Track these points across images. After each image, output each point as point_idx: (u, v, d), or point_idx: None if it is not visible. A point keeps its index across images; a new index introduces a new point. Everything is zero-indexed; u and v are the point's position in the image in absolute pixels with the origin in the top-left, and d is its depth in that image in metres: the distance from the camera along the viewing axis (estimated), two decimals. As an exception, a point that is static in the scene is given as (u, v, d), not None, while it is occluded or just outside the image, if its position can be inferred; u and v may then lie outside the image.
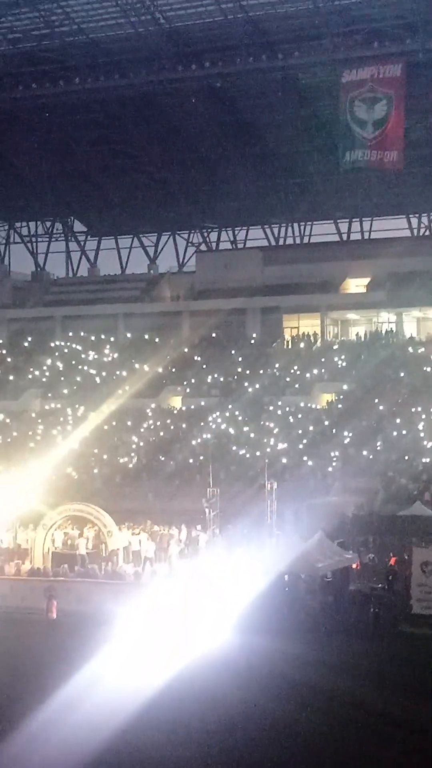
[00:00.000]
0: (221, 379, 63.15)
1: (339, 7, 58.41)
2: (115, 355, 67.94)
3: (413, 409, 54.75)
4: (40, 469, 46.43)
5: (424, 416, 53.94)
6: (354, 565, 34.26)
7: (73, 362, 68.40)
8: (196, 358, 65.82)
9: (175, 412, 61.90)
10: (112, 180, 72.83)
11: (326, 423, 56.16)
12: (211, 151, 69.32)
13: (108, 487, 49.68)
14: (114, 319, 71.22)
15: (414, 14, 57.32)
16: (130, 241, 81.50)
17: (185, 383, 63.78)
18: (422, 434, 52.77)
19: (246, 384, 61.64)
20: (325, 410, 58.32)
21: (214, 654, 23.03)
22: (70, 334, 71.61)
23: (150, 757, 15.30)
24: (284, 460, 51.44)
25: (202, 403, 61.29)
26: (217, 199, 72.37)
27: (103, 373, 66.01)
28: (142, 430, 59.24)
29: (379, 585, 32.60)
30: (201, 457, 51.43)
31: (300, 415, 57.65)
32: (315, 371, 61.89)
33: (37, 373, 68.08)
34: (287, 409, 58.45)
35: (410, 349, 62.87)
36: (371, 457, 51.65)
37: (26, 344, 72.49)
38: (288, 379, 61.62)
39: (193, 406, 61.62)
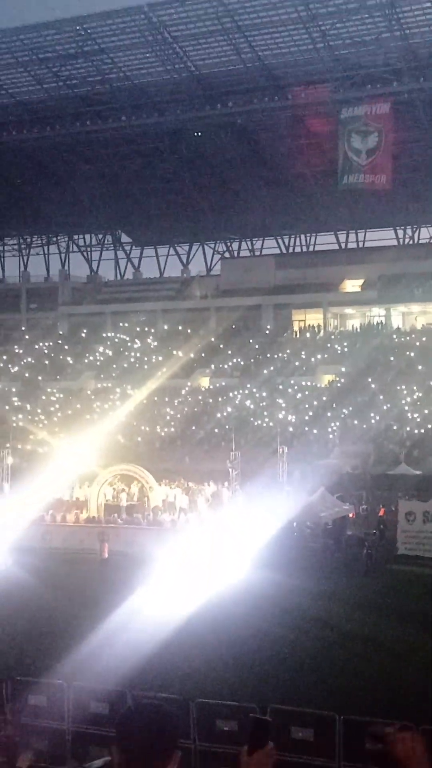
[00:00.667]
0: (241, 362, 63.24)
1: (338, 55, 58.35)
2: (155, 344, 68.03)
3: (399, 387, 54.73)
4: (94, 436, 46.56)
5: (407, 393, 53.98)
6: (350, 515, 34.51)
7: (121, 350, 68.53)
8: (220, 345, 65.82)
9: (204, 390, 62.01)
10: (151, 199, 72.72)
11: (327, 399, 56.20)
12: (232, 175, 69.19)
13: (149, 451, 49.92)
14: (154, 315, 71.24)
15: (399, 62, 57.28)
16: (167, 250, 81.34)
17: (212, 366, 63.85)
18: (406, 408, 52.85)
19: (261, 367, 61.75)
20: (326, 388, 58.36)
21: (235, 586, 23.25)
22: (119, 325, 71.74)
23: (181, 666, 15.44)
24: (292, 429, 51.65)
25: (224, 383, 61.40)
26: (238, 214, 72.15)
27: (145, 359, 66.16)
28: (176, 404, 59.39)
29: (371, 531, 32.79)
30: (226, 427, 51.65)
31: (306, 392, 57.72)
32: (318, 356, 61.91)
33: (91, 358, 68.32)
34: (295, 387, 58.52)
35: (396, 338, 62.86)
36: (364, 426, 51.69)
37: (83, 335, 72.62)
38: (296, 363, 61.64)
39: (218, 385, 61.73)
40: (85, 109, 65.64)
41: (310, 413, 54.59)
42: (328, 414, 53.91)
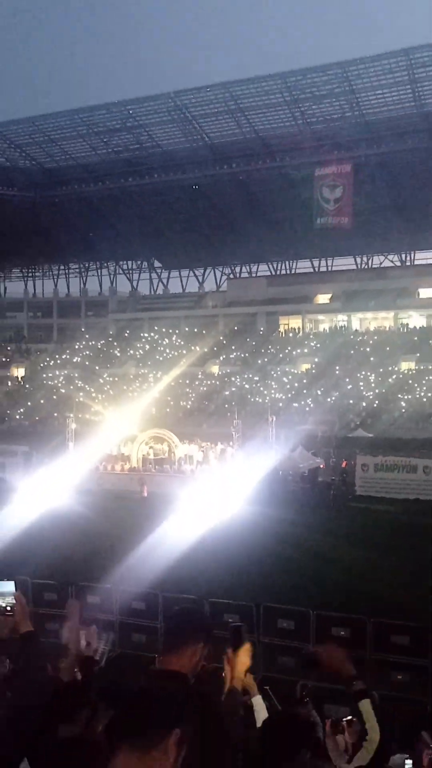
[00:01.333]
0: (242, 355, 63.24)
1: (313, 130, 58.47)
2: (179, 341, 68.11)
3: (358, 374, 54.69)
4: (134, 408, 46.76)
5: (363, 377, 53.96)
6: (321, 466, 34.47)
7: (154, 345, 68.67)
8: (225, 342, 65.88)
9: (214, 375, 62.09)
10: (176, 235, 72.69)
11: (305, 381, 56.20)
12: (235, 217, 69.05)
13: (174, 419, 50.03)
14: (178, 320, 71.28)
15: (358, 134, 57.24)
16: (188, 272, 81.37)
17: (220, 358, 63.90)
18: (362, 388, 52.84)
19: (256, 358, 61.76)
20: (304, 374, 58.34)
21: (235, 516, 23.30)
22: (153, 328, 71.87)
23: (197, 573, 15.47)
24: (280, 404, 51.67)
25: (229, 370, 61.44)
26: (240, 246, 72.13)
27: (172, 352, 66.24)
28: (194, 385, 59.51)
29: (336, 477, 32.82)
30: (231, 402, 51.76)
31: (289, 377, 57.74)
32: (298, 350, 61.86)
33: (132, 352, 68.45)
34: (281, 373, 58.53)
35: (355, 338, 62.77)
36: (331, 401, 51.71)
37: (126, 335, 72.79)
38: (281, 356, 61.64)
39: (224, 372, 61.78)
40: (128, 169, 65.63)
41: (292, 392, 54.63)
42: (305, 392, 53.95)
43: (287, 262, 76.99)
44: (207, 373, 62.28)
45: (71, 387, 62.20)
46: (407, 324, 63.55)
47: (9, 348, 75.50)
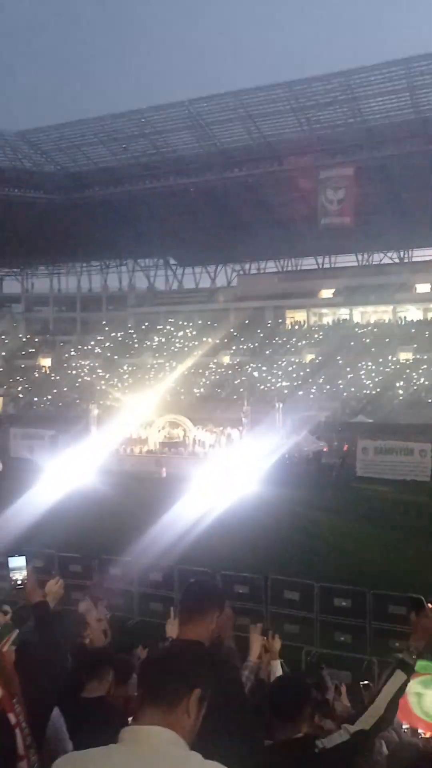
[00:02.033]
0: (251, 346, 63.14)
1: (318, 135, 57.88)
2: (193, 333, 68.10)
3: (359, 364, 54.52)
4: (152, 395, 46.88)
5: (363, 367, 53.76)
6: (324, 449, 34.46)
7: (170, 337, 68.71)
8: (236, 334, 65.81)
9: (225, 364, 62.07)
10: (190, 234, 72.42)
11: (309, 371, 56.07)
12: (245, 218, 68.66)
13: (188, 405, 50.09)
14: (191, 314, 71.26)
15: (360, 139, 56.69)
16: (201, 269, 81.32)
17: (231, 348, 63.84)
18: (363, 376, 52.64)
19: (264, 349, 61.63)
20: (308, 364, 58.21)
21: (245, 495, 23.34)
22: (169, 321, 71.88)
23: (210, 548, 15.53)
24: (286, 392, 51.60)
25: (239, 360, 61.40)
26: (249, 245, 71.78)
27: (187, 343, 66.25)
28: (207, 374, 59.53)
29: (339, 460, 32.82)
30: (240, 390, 51.80)
31: (294, 366, 57.61)
32: (303, 342, 61.68)
33: (149, 343, 68.50)
34: (287, 362, 58.40)
35: (356, 330, 62.46)
36: (334, 389, 51.60)
37: (143, 327, 72.84)
38: (288, 347, 61.50)
39: (235, 361, 61.75)
40: (145, 173, 65.37)
41: (298, 381, 54.53)
42: (310, 381, 53.86)
43: (293, 260, 76.75)
44: (218, 363, 62.27)
45: (93, 376, 62.41)
46: (405, 317, 63.33)
47: (36, 340, 75.77)
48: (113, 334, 72.01)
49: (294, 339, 62.51)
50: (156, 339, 68.87)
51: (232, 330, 66.50)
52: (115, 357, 67.18)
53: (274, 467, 28.39)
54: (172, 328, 70.00)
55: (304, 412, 43.86)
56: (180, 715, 1.86)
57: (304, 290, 68.00)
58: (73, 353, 70.23)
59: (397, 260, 71.74)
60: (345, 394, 50.77)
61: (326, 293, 68.63)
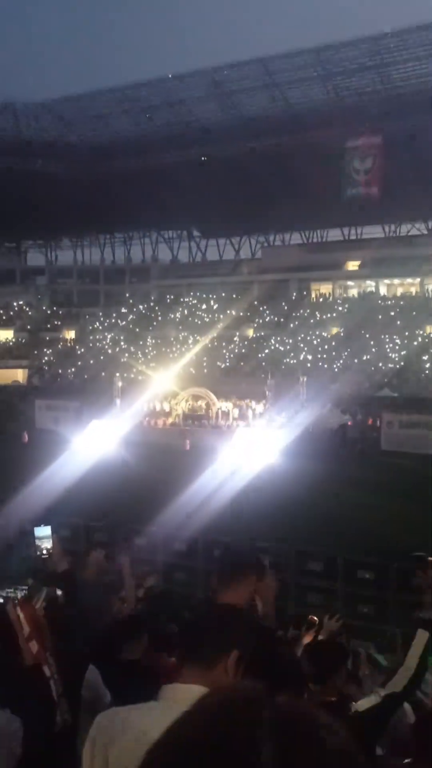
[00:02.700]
0: (275, 318, 62.79)
1: (345, 102, 56.83)
2: (216, 306, 67.83)
3: (383, 336, 54.02)
4: (175, 369, 47.01)
5: (389, 340, 53.31)
6: (349, 423, 34.38)
7: (193, 310, 68.55)
8: (260, 307, 65.45)
9: (249, 338, 61.89)
10: (214, 206, 71.76)
11: (334, 344, 55.72)
12: (270, 189, 67.73)
13: (212, 378, 49.88)
14: (215, 286, 70.84)
15: (388, 106, 55.47)
16: (225, 241, 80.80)
17: (255, 321, 63.58)
18: (388, 350, 52.20)
19: (289, 322, 61.27)
20: (333, 337, 57.77)
21: (270, 467, 23.43)
22: (192, 294, 71.67)
23: (232, 521, 15.66)
24: (309, 365, 51.37)
25: (263, 333, 61.14)
26: (274, 216, 70.99)
27: (210, 315, 66.08)
28: (230, 347, 59.42)
29: (363, 434, 32.73)
30: (263, 364, 51.70)
31: (319, 340, 57.21)
32: (328, 315, 61.13)
33: (173, 316, 68.42)
34: (312, 336, 58.05)
35: (382, 303, 61.75)
36: (357, 362, 51.28)
37: (167, 300, 72.75)
38: (312, 321, 61.06)
39: (259, 335, 61.50)
40: (169, 143, 64.68)
41: (323, 354, 54.24)
42: (334, 354, 53.51)
43: (318, 231, 75.81)
44: (242, 336, 62.06)
45: (117, 348, 62.65)
46: (432, 290, 62.49)
47: (60, 312, 76.17)
48: (136, 308, 72.06)
49: (318, 312, 62.00)
50: (179, 312, 68.76)
51: (255, 303, 66.11)
52: (138, 330, 67.29)
53: (297, 440, 28.35)
54: (195, 301, 69.76)
55: (328, 386, 43.73)
56: (219, 675, 1.93)
57: (329, 262, 67.21)
58: (97, 326, 70.49)
59: (425, 231, 70.52)
60: (370, 367, 50.41)
61: (352, 265, 67.82)
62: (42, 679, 2.61)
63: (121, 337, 65.97)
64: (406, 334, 53.76)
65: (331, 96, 56.28)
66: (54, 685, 2.66)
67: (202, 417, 35.24)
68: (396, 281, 64.94)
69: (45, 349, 67.59)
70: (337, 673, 3.00)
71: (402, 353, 51.47)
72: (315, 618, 4.36)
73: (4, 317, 73.91)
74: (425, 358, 50.33)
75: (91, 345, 66.22)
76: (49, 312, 76.11)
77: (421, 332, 54.11)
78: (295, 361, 52.77)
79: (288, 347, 56.65)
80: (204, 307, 68.29)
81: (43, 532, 3.74)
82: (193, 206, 72.87)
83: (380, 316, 57.91)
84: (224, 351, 58.73)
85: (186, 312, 68.64)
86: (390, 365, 50.18)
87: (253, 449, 26.48)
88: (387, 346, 52.57)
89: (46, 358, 66.17)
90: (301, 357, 53.63)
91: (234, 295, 68.36)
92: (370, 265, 65.42)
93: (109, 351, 62.88)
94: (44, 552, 3.70)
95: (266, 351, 56.42)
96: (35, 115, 64.17)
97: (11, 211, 70.33)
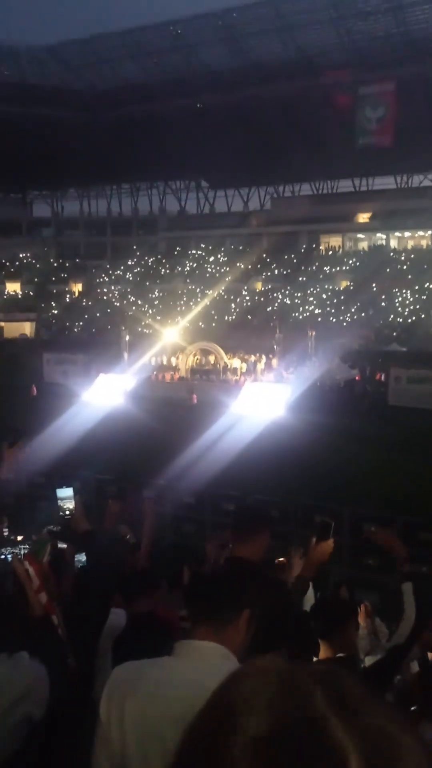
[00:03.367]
0: (284, 271, 62.27)
1: (358, 47, 55.18)
2: (224, 258, 67.25)
3: (394, 290, 53.59)
4: (183, 322, 46.86)
5: (398, 294, 52.87)
6: (357, 377, 34.30)
7: (201, 262, 67.99)
8: (268, 260, 64.81)
9: (258, 291, 61.48)
10: (223, 155, 70.37)
11: (343, 297, 55.33)
12: (280, 138, 66.28)
13: (220, 332, 49.85)
14: (223, 238, 70.17)
15: (402, 52, 53.82)
16: (233, 192, 79.63)
17: (263, 274, 63.06)
18: (397, 304, 51.86)
19: (297, 275, 60.76)
20: (343, 290, 57.35)
21: (276, 420, 23.56)
22: (200, 246, 70.94)
23: (242, 473, 15.77)
24: (319, 319, 51.14)
25: (271, 286, 60.72)
26: (284, 166, 69.75)
27: (218, 268, 65.57)
28: (238, 301, 59.13)
29: (371, 389, 32.63)
30: (273, 317, 51.46)
31: (328, 293, 56.83)
32: (337, 268, 60.60)
33: (180, 268, 67.93)
34: (321, 289, 57.61)
35: (393, 256, 61.04)
36: (366, 316, 50.99)
37: (175, 252, 72.08)
38: (321, 273, 60.48)
39: (267, 287, 61.10)
40: (177, 90, 63.14)
41: (332, 308, 53.91)
42: (343, 308, 53.20)
43: (329, 182, 74.50)
44: (250, 289, 61.65)
45: (125, 301, 62.42)
46: (444, 242, 61.62)
47: (67, 264, 75.65)
48: (143, 260, 71.47)
49: (328, 265, 61.37)
50: (187, 264, 68.16)
51: (264, 255, 65.43)
52: (146, 282, 66.88)
53: (305, 394, 28.29)
54: (203, 253, 69.10)
55: (337, 340, 43.59)
56: (231, 632, 2.00)
57: (339, 214, 66.18)
58: (104, 278, 70.05)
59: (437, 182, 69.18)
60: (379, 321, 50.13)
61: (362, 218, 66.77)
62: (52, 628, 2.72)
63: (128, 290, 65.65)
64: (417, 287, 53.27)
65: (344, 40, 54.48)
66: (62, 633, 2.77)
67: (210, 371, 35.22)
68: (407, 234, 64.03)
69: (52, 302, 67.40)
70: (346, 628, 3.09)
71: (412, 308, 51.10)
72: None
73: (12, 269, 73.52)
74: (435, 312, 49.99)
75: (98, 298, 65.96)
76: (55, 264, 75.62)
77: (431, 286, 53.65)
78: (304, 314, 52.49)
79: (297, 301, 56.28)
80: (212, 259, 67.66)
81: (66, 493, 3.87)
82: (201, 155, 71.50)
83: (390, 270, 57.31)
84: (232, 304, 58.42)
85: (194, 264, 68.05)
86: (399, 320, 49.88)
87: (260, 404, 26.55)
88: (397, 300, 52.16)
89: (53, 312, 66.06)
90: (310, 310, 53.33)
91: (242, 248, 67.72)
92: (380, 217, 64.41)
93: (117, 304, 62.66)
94: (67, 513, 3.83)
95: (275, 304, 56.09)
96: (39, 60, 62.53)
97: (16, 160, 69.27)
